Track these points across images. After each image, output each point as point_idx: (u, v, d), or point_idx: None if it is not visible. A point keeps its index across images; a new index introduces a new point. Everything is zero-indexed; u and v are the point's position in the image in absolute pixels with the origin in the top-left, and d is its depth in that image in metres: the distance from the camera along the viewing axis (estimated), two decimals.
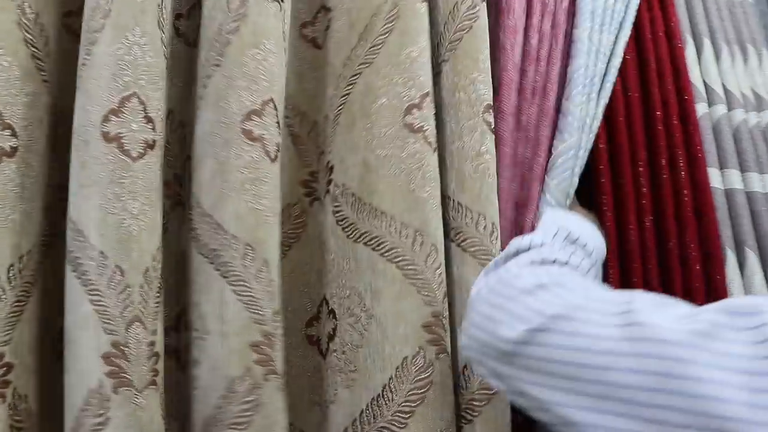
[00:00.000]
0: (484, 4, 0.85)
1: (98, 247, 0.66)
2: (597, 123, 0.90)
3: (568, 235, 0.66)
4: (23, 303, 0.70)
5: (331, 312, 0.81)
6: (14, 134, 0.71)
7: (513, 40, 0.92)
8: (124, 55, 0.70)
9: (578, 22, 0.93)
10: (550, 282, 0.55)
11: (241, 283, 0.70)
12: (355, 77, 0.83)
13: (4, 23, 0.71)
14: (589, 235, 0.69)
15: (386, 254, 0.76)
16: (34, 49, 0.74)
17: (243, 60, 0.73)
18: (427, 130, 0.79)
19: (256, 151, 0.72)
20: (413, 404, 0.72)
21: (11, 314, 0.68)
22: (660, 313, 0.48)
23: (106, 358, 0.64)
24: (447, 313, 0.76)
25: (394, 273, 0.75)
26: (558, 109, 0.90)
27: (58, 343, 0.68)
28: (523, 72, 0.91)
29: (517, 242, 0.66)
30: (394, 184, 0.78)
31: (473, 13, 0.84)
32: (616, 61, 0.93)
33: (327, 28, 0.87)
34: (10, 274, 0.69)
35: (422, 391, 0.72)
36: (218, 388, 0.68)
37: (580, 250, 0.66)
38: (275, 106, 0.75)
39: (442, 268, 0.76)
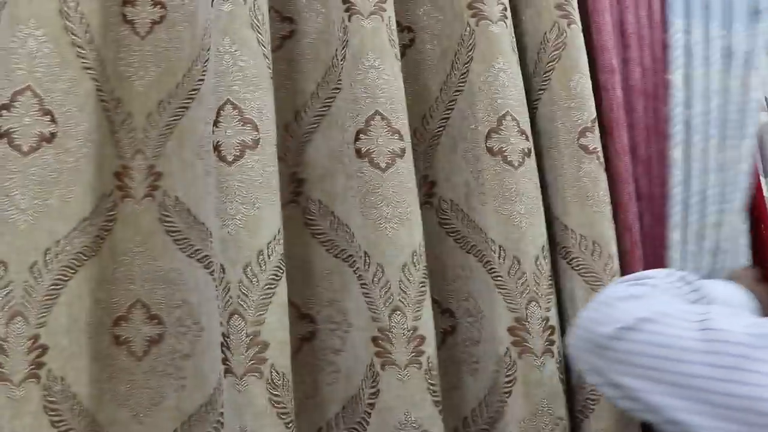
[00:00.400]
0: (575, 28, 0.89)
1: None
2: None
3: (683, 277, 0.75)
4: (60, 287, 0.71)
5: (447, 311, 0.87)
6: (53, 120, 0.72)
7: (614, 80, 0.95)
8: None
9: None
10: (641, 294, 0.67)
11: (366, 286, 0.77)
12: (453, 103, 0.88)
13: (47, 11, 0.72)
14: (714, 289, 0.76)
15: (485, 265, 0.83)
16: (74, 36, 0.75)
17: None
18: (511, 153, 0.83)
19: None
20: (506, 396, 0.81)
21: (47, 297, 0.70)
22: (732, 320, 0.59)
23: None
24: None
25: (489, 282, 0.82)
26: None
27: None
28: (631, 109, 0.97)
29: (634, 275, 0.78)
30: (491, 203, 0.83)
31: (561, 42, 0.88)
32: None
33: (409, 47, 0.92)
34: (47, 258, 0.70)
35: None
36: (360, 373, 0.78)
37: (687, 285, 0.74)
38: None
39: (524, 278, 0.81)
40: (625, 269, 0.91)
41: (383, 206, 0.76)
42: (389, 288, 0.74)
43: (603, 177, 0.86)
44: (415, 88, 0.90)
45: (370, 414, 0.75)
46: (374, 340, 0.75)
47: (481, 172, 0.83)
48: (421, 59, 0.91)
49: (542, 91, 0.89)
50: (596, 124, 0.87)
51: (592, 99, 0.88)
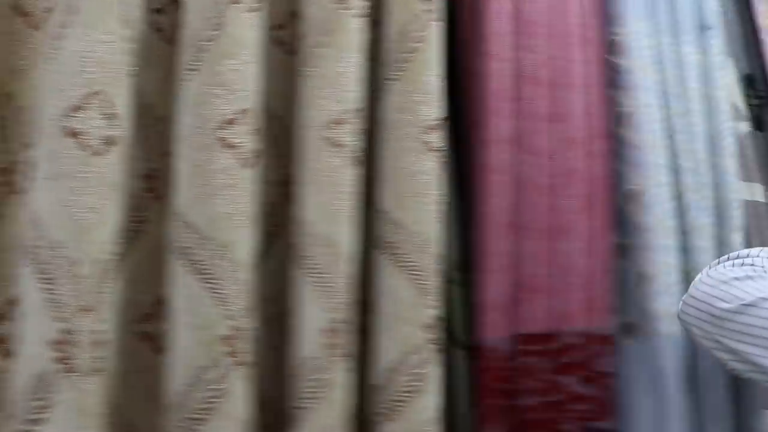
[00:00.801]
0: (437, 26, 0.89)
1: None
2: None
3: None
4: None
5: None
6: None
7: (496, 66, 0.99)
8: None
9: None
10: (754, 275, 0.80)
11: (214, 281, 0.75)
12: None
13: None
14: None
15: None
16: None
17: (219, 69, 0.78)
18: (349, 145, 0.84)
19: (231, 158, 0.77)
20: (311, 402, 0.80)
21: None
22: None
23: None
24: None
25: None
26: None
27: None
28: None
29: (734, 253, 0.88)
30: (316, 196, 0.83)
31: (422, 35, 0.89)
32: None
33: (300, 36, 0.90)
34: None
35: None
36: (187, 375, 0.74)
37: None
38: (251, 114, 0.79)
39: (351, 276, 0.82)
40: (481, 258, 0.96)
41: None
42: None
43: (441, 177, 0.88)
44: None
45: None
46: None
47: None
48: None
49: (394, 81, 0.89)
50: (442, 125, 0.89)
51: (443, 99, 0.89)
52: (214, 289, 0.75)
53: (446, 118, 0.92)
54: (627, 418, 1.06)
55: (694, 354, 1.06)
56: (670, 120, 1.13)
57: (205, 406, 0.74)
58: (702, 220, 1.12)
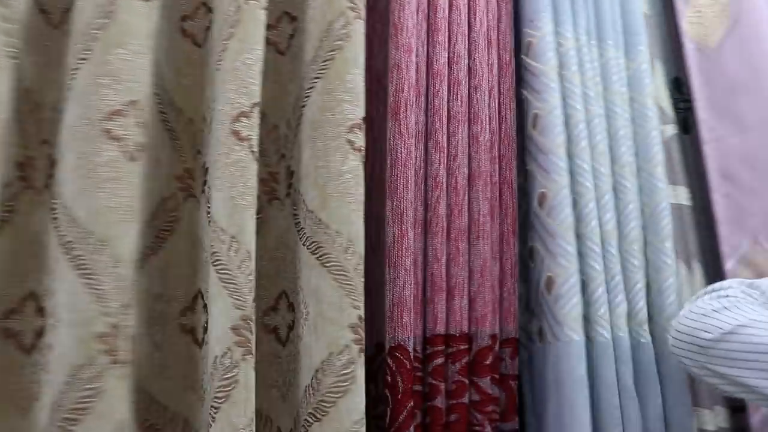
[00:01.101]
0: (360, 23, 0.89)
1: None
2: None
3: (750, 284, 0.95)
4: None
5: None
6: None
7: (408, 59, 0.96)
8: None
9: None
10: (730, 306, 0.89)
11: (93, 276, 0.73)
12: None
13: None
14: None
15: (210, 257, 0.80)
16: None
17: (108, 58, 0.75)
18: (252, 139, 0.81)
19: (116, 151, 0.75)
20: (220, 401, 0.76)
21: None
22: None
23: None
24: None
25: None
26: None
27: None
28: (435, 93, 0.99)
29: (712, 286, 0.98)
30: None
31: (345, 33, 0.87)
32: None
33: (208, 28, 0.89)
34: None
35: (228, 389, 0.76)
36: (64, 373, 0.72)
37: (755, 290, 0.94)
38: (139, 106, 0.77)
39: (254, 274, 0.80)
40: (394, 256, 0.95)
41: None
42: None
43: (363, 176, 0.86)
44: None
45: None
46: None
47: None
48: None
49: (318, 80, 0.88)
50: (364, 124, 0.88)
51: (364, 97, 0.88)
52: (92, 285, 0.72)
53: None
54: (531, 420, 1.07)
55: (598, 358, 1.06)
56: (589, 123, 1.13)
57: (81, 405, 0.71)
58: (614, 225, 1.12)
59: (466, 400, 0.99)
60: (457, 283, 1.01)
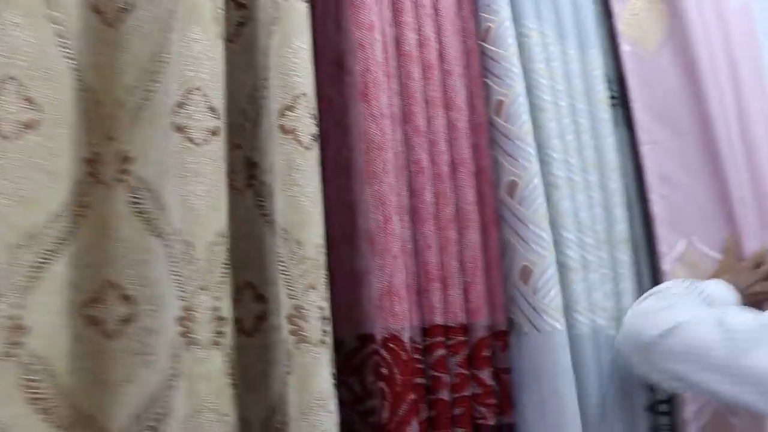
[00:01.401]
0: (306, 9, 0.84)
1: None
2: None
3: (690, 284, 1.03)
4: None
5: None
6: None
7: (371, 36, 0.92)
8: None
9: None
10: (670, 305, 0.96)
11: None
12: (156, 74, 0.77)
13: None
14: (714, 290, 1.04)
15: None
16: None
17: None
18: (193, 128, 0.76)
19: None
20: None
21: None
22: (741, 316, 0.92)
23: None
24: None
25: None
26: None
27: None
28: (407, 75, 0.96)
29: (656, 288, 1.06)
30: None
31: (296, 22, 0.83)
32: None
33: (123, 10, 0.79)
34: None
35: None
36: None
37: (695, 290, 1.01)
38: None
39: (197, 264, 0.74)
40: (379, 243, 0.90)
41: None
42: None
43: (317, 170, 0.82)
44: None
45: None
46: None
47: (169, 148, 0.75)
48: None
49: (269, 69, 0.83)
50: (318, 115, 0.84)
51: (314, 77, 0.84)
52: None
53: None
54: (516, 412, 1.03)
55: (579, 349, 1.05)
56: (557, 113, 1.13)
57: None
58: (588, 214, 1.13)
59: (468, 393, 0.94)
60: (450, 273, 0.95)
